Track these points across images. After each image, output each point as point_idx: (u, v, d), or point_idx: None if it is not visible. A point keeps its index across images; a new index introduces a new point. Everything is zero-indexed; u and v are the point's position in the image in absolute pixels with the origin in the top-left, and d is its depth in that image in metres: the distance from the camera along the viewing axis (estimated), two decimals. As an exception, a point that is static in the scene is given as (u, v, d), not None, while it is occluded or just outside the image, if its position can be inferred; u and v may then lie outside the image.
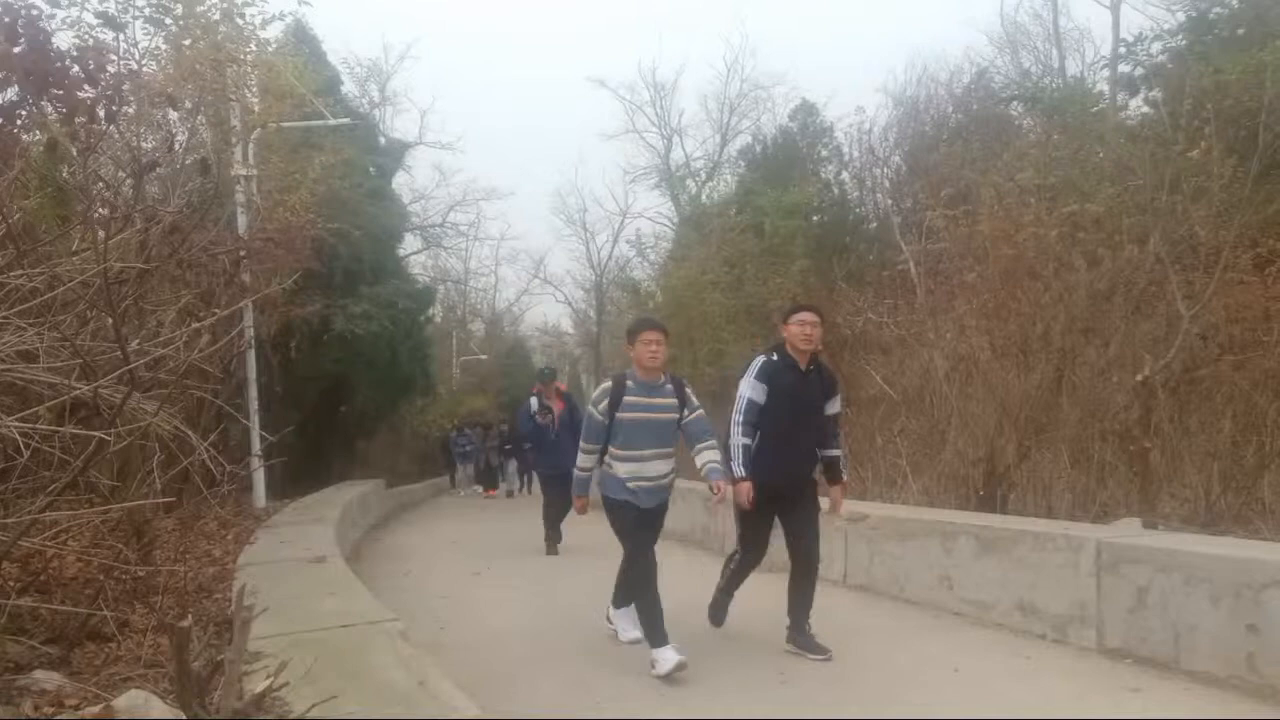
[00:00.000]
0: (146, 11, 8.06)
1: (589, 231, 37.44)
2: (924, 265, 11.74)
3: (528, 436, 9.46)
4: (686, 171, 30.93)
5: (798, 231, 17.25)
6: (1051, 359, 7.88)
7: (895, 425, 8.92)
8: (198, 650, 2.58)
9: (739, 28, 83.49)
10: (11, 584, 3.74)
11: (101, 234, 4.06)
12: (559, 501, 8.90)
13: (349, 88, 22.80)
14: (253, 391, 10.13)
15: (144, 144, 7.35)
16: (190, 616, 2.95)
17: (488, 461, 21.78)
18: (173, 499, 5.51)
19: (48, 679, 3.00)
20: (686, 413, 4.69)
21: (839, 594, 6.19)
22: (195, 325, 4.90)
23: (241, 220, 10.08)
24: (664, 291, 18.71)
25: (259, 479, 10.01)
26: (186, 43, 8.62)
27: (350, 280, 14.80)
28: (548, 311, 48.75)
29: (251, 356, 10.21)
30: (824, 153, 21.75)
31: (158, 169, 6.68)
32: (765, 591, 5.08)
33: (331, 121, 12.52)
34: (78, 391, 3.43)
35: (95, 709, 2.50)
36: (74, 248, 4.73)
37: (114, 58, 6.21)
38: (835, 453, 4.87)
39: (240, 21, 9.18)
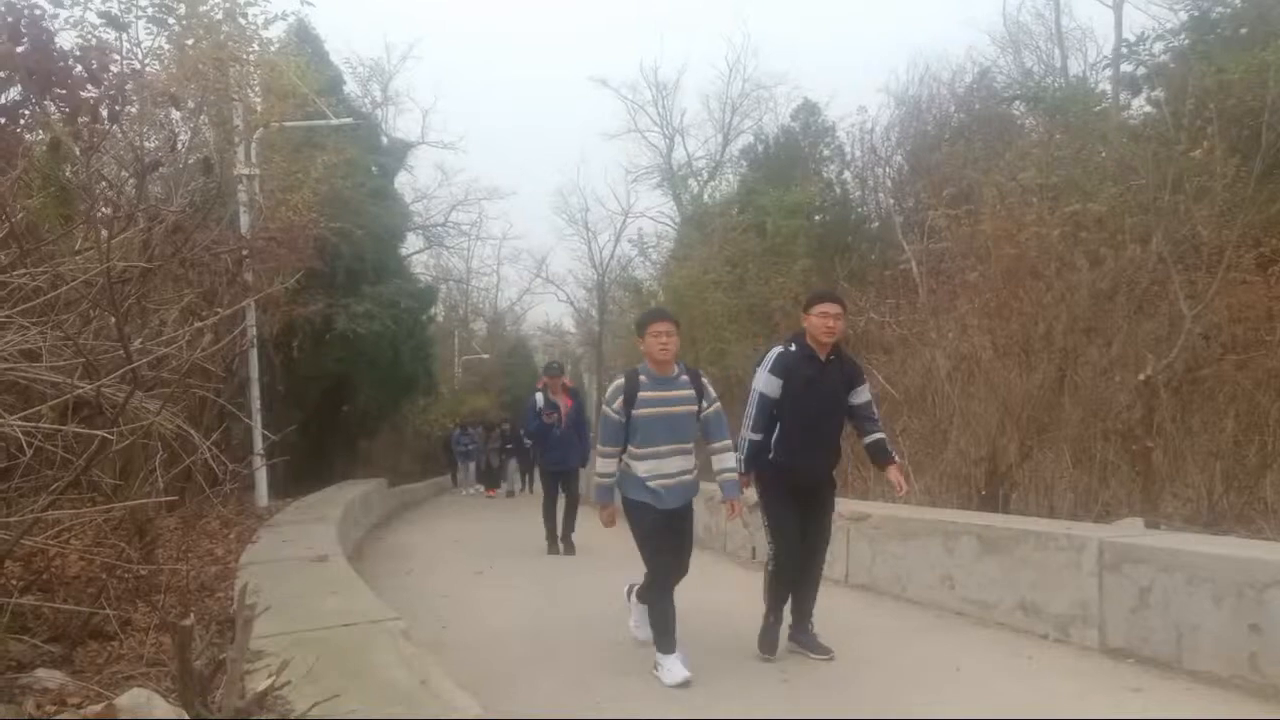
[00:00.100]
0: (149, 11, 8.07)
1: (591, 231, 37.39)
2: (926, 265, 11.74)
3: (533, 435, 9.34)
4: (688, 171, 30.91)
5: (800, 231, 17.23)
6: (1054, 358, 7.87)
7: (897, 425, 8.91)
8: (200, 649, 2.59)
9: (741, 27, 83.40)
10: (14, 582, 3.75)
11: (104, 233, 4.07)
12: (570, 493, 8.97)
13: (351, 87, 22.83)
14: (255, 390, 10.13)
15: (147, 143, 7.35)
16: (192, 615, 2.96)
17: (489, 461, 21.79)
18: (175, 498, 5.51)
19: (50, 677, 3.00)
20: (705, 404, 4.50)
21: (841, 593, 6.19)
22: (198, 324, 4.91)
23: (244, 220, 10.09)
24: (666, 291, 18.68)
25: (261, 478, 10.02)
26: (189, 42, 8.62)
27: (352, 279, 14.81)
28: (550, 311, 48.69)
29: (254, 356, 10.22)
30: (826, 152, 21.72)
31: (160, 168, 6.69)
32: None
33: (334, 121, 12.52)
34: (80, 390, 3.44)
35: (97, 707, 2.51)
36: (77, 247, 4.74)
37: (117, 57, 6.23)
38: (878, 435, 4.67)
39: (243, 21, 9.18)
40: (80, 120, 5.30)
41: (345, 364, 15.10)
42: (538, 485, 13.66)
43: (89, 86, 5.61)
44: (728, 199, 22.31)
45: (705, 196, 26.34)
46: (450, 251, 34.39)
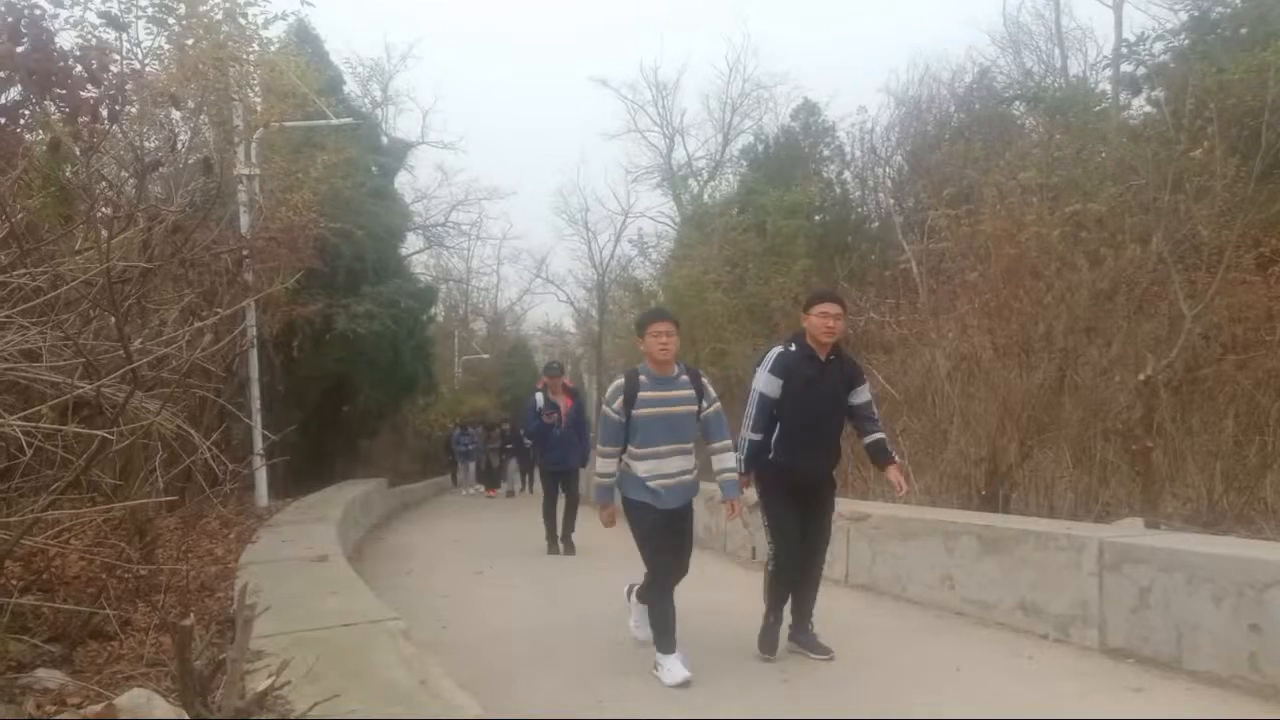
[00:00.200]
0: (149, 11, 8.08)
1: (591, 231, 37.39)
2: (926, 265, 11.73)
3: (534, 433, 9.29)
4: (688, 171, 30.91)
5: (800, 231, 17.23)
6: (1054, 358, 7.87)
7: (897, 425, 8.90)
8: (200, 649, 2.59)
9: (741, 27, 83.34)
10: (14, 582, 3.75)
11: (104, 233, 4.07)
12: (570, 494, 8.94)
13: (351, 87, 22.83)
14: (255, 390, 10.13)
15: (147, 143, 7.35)
16: (192, 615, 2.96)
17: (488, 461, 21.79)
18: (175, 498, 5.51)
19: (50, 677, 3.00)
20: (705, 404, 4.50)
21: (841, 593, 6.19)
22: (198, 324, 4.91)
23: (244, 220, 10.09)
24: (666, 291, 18.68)
25: (261, 478, 10.02)
26: (189, 42, 8.62)
27: (353, 279, 14.81)
28: (550, 311, 48.72)
29: (254, 356, 10.22)
30: (826, 152, 21.72)
31: (160, 168, 6.69)
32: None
33: (334, 121, 12.51)
34: (80, 390, 3.44)
35: (97, 707, 2.51)
36: (77, 247, 4.74)
37: (117, 57, 6.23)
38: (878, 435, 4.66)
39: (243, 21, 9.19)
40: (80, 120, 5.31)
41: (345, 364, 15.10)
42: (538, 485, 13.64)
43: (89, 86, 5.61)
44: (728, 199, 22.30)
45: (705, 196, 26.35)
46: (450, 251, 34.42)
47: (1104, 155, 10.80)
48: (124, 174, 6.69)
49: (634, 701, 3.96)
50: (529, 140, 59.01)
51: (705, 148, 31.68)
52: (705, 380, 4.59)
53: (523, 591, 6.87)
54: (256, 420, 9.82)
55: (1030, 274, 8.37)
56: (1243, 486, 6.74)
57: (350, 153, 13.49)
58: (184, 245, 6.00)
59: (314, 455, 14.81)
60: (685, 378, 4.48)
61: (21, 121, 5.74)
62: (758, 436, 4.50)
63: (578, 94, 78.70)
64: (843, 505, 6.02)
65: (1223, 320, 8.18)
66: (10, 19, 5.43)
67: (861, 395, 4.63)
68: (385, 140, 22.82)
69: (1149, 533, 5.22)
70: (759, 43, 38.51)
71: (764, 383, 4.48)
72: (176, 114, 8.46)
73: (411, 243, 25.98)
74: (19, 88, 5.53)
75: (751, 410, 4.52)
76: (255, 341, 10.12)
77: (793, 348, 4.51)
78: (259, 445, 9.57)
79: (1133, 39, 14.48)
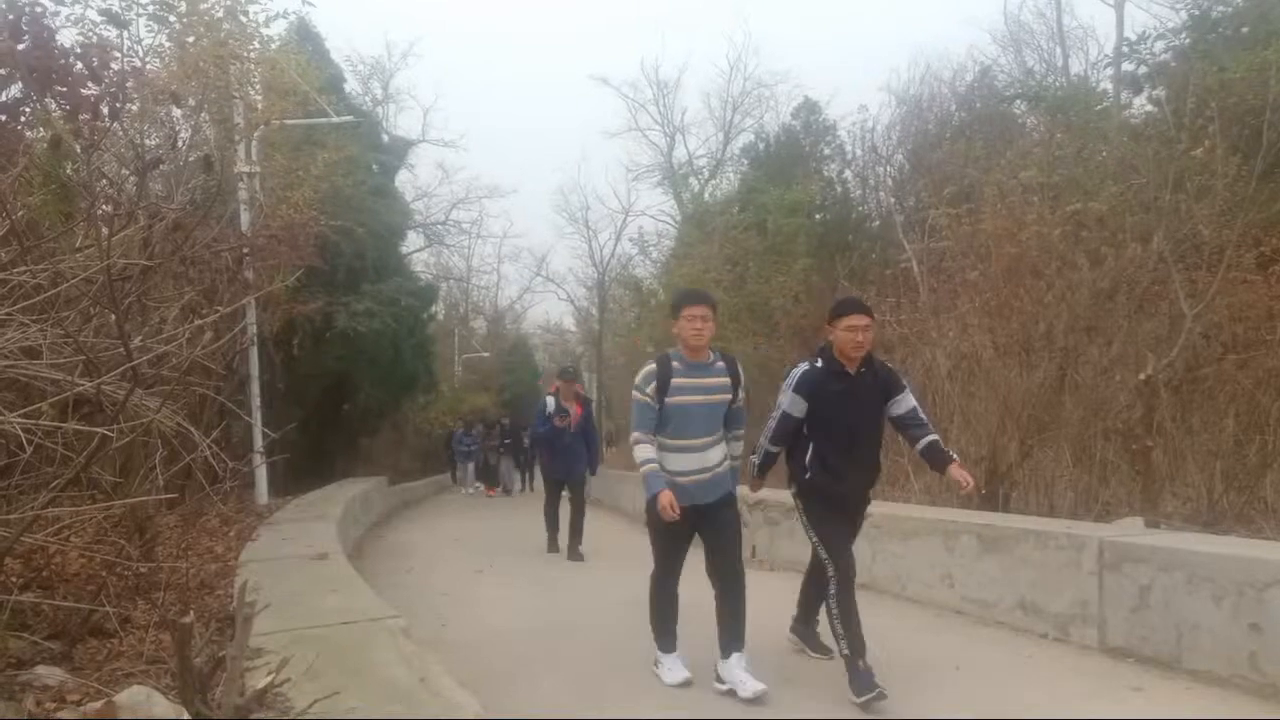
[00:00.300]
0: (150, 9, 8.08)
1: (591, 229, 37.40)
2: (927, 264, 11.73)
3: (541, 439, 9.07)
4: (689, 169, 30.95)
5: (800, 230, 17.22)
6: (1054, 358, 7.87)
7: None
8: (199, 646, 2.59)
9: (741, 26, 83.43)
10: (14, 580, 3.75)
11: (105, 231, 4.06)
12: (576, 499, 8.77)
13: (352, 85, 22.82)
14: (255, 388, 10.14)
15: (147, 141, 7.35)
16: (192, 613, 2.96)
17: (487, 460, 21.80)
18: (175, 495, 5.51)
19: (50, 674, 3.00)
20: (740, 395, 4.24)
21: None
22: (198, 322, 4.91)
23: (245, 217, 10.10)
24: (666, 290, 18.69)
25: (261, 476, 10.03)
26: (190, 40, 8.62)
27: (353, 277, 14.81)
28: (550, 309, 48.78)
29: (254, 353, 10.23)
30: (827, 151, 21.72)
31: (161, 166, 6.69)
32: (769, 589, 5.08)
33: (335, 119, 12.51)
34: (80, 388, 3.44)
35: (97, 705, 2.50)
36: (77, 244, 4.73)
37: (117, 55, 6.24)
38: (930, 439, 4.28)
39: (243, 19, 9.18)
40: (81, 118, 5.30)
41: (345, 362, 15.10)
42: (538, 483, 13.61)
43: (90, 84, 5.61)
44: (728, 197, 22.32)
45: (706, 195, 26.38)
46: (451, 250, 34.48)
47: (1105, 154, 10.80)
48: (125, 171, 6.69)
49: (635, 700, 3.96)
50: (529, 139, 59.12)
51: (706, 146, 31.77)
52: (741, 369, 4.32)
53: (523, 590, 6.87)
54: (257, 418, 9.82)
55: (1031, 273, 8.37)
56: (1243, 486, 6.75)
57: (351, 151, 13.49)
58: (184, 243, 5.99)
59: (314, 453, 14.81)
60: (721, 364, 4.22)
61: (22, 119, 5.74)
62: (774, 449, 4.41)
63: (578, 93, 78.80)
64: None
65: (1223, 319, 8.18)
66: (11, 16, 5.43)
67: (903, 404, 4.31)
68: (386, 138, 22.84)
69: (1149, 532, 5.22)
70: (760, 41, 38.62)
71: (788, 402, 4.24)
72: (177, 112, 8.46)
73: (412, 241, 26.04)
74: (20, 85, 5.53)
75: (772, 424, 4.35)
76: (255, 339, 10.12)
77: (819, 363, 4.24)
78: (259, 443, 9.57)
79: (1134, 38, 14.50)
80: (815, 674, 4.33)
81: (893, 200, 18.44)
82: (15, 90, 5.61)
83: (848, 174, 21.22)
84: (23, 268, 3.66)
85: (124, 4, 7.56)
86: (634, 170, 34.77)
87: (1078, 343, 8.02)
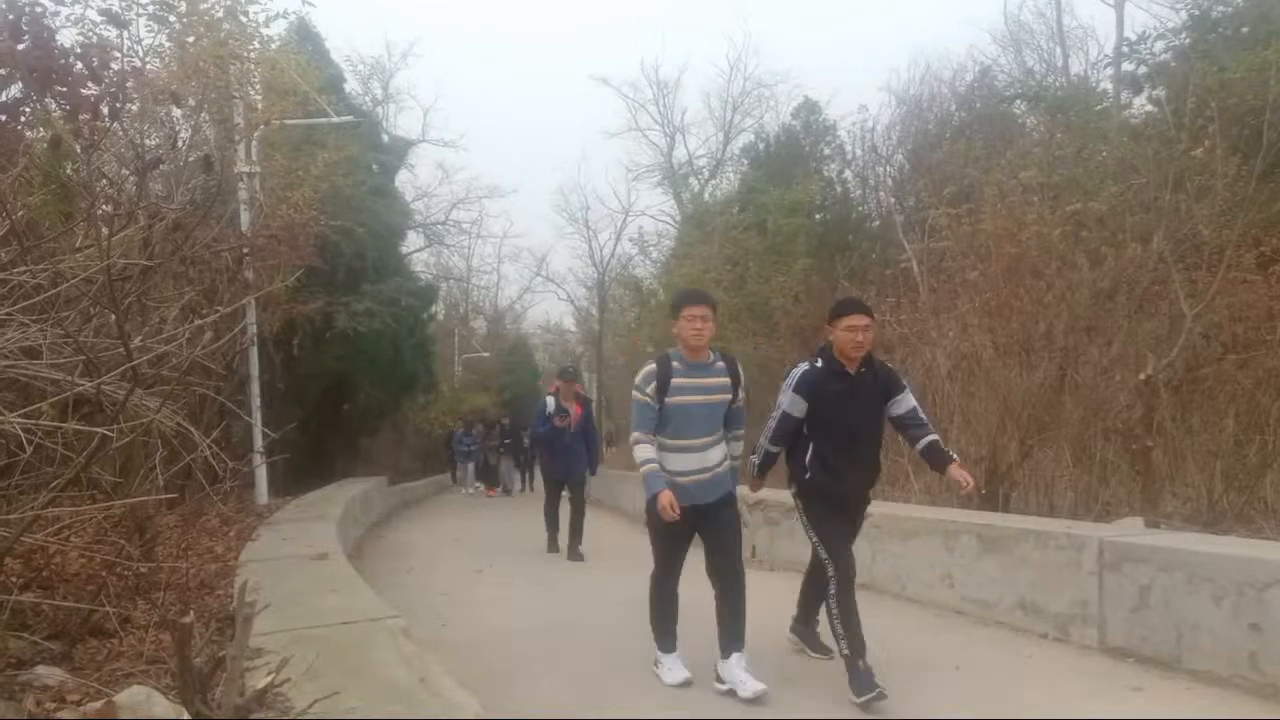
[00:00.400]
0: (150, 9, 8.08)
1: (591, 229, 37.42)
2: (927, 264, 11.73)
3: (540, 439, 9.04)
4: (689, 169, 30.96)
5: (800, 230, 17.22)
6: (1054, 358, 7.87)
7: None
8: (200, 646, 2.59)
9: (742, 26, 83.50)
10: (14, 580, 3.75)
11: (105, 231, 4.06)
12: (576, 500, 8.75)
13: (352, 85, 22.83)
14: (255, 388, 10.14)
15: (147, 141, 7.35)
16: (192, 613, 2.96)
17: (487, 460, 21.81)
18: (175, 495, 5.51)
19: (50, 675, 3.00)
20: (740, 396, 4.23)
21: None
22: (198, 322, 4.90)
23: (245, 217, 10.10)
24: (666, 290, 18.70)
25: (261, 476, 10.03)
26: (190, 40, 8.62)
27: (353, 277, 14.81)
28: (550, 309, 48.81)
29: (254, 353, 10.23)
30: (827, 151, 21.72)
31: (161, 166, 6.69)
32: (769, 589, 5.08)
33: (335, 119, 12.51)
34: (80, 388, 3.44)
35: (97, 705, 2.50)
36: (77, 244, 4.73)
37: (117, 55, 6.24)
38: (930, 439, 4.26)
39: (243, 19, 9.18)
40: (81, 118, 5.30)
41: (345, 362, 15.10)
42: (538, 483, 13.57)
43: (90, 84, 5.61)
44: (728, 197, 22.32)
45: (706, 195, 26.39)
46: (451, 250, 34.50)
47: (1105, 154, 10.80)
48: (125, 171, 6.69)
49: (635, 700, 3.96)
50: (529, 139, 59.16)
51: (706, 146, 31.79)
52: (741, 369, 4.31)
53: (523, 590, 6.87)
54: (256, 418, 9.82)
55: (1031, 273, 8.37)
56: (1243, 486, 6.75)
57: (351, 151, 13.49)
58: (184, 243, 5.99)
59: (314, 453, 14.81)
60: (721, 364, 4.21)
61: (22, 119, 5.74)
62: (774, 449, 4.40)
63: (578, 93, 78.81)
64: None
65: (1223, 319, 8.18)
66: (11, 16, 5.43)
67: (903, 404, 4.30)
68: (386, 138, 22.85)
69: (1149, 532, 5.22)
70: (760, 41, 38.63)
71: (788, 402, 4.23)
72: (177, 112, 8.46)
73: (412, 241, 26.05)
74: (20, 85, 5.53)
75: (772, 424, 4.34)
76: (255, 339, 10.12)
77: (818, 363, 4.22)
78: (259, 443, 9.57)
79: (1134, 38, 14.51)
80: (815, 674, 4.33)
81: (893, 200, 18.44)
82: (15, 90, 5.61)
83: (848, 174, 21.24)
84: (23, 268, 3.66)
85: (124, 4, 7.57)
86: (634, 170, 34.88)
87: (1078, 343, 8.02)
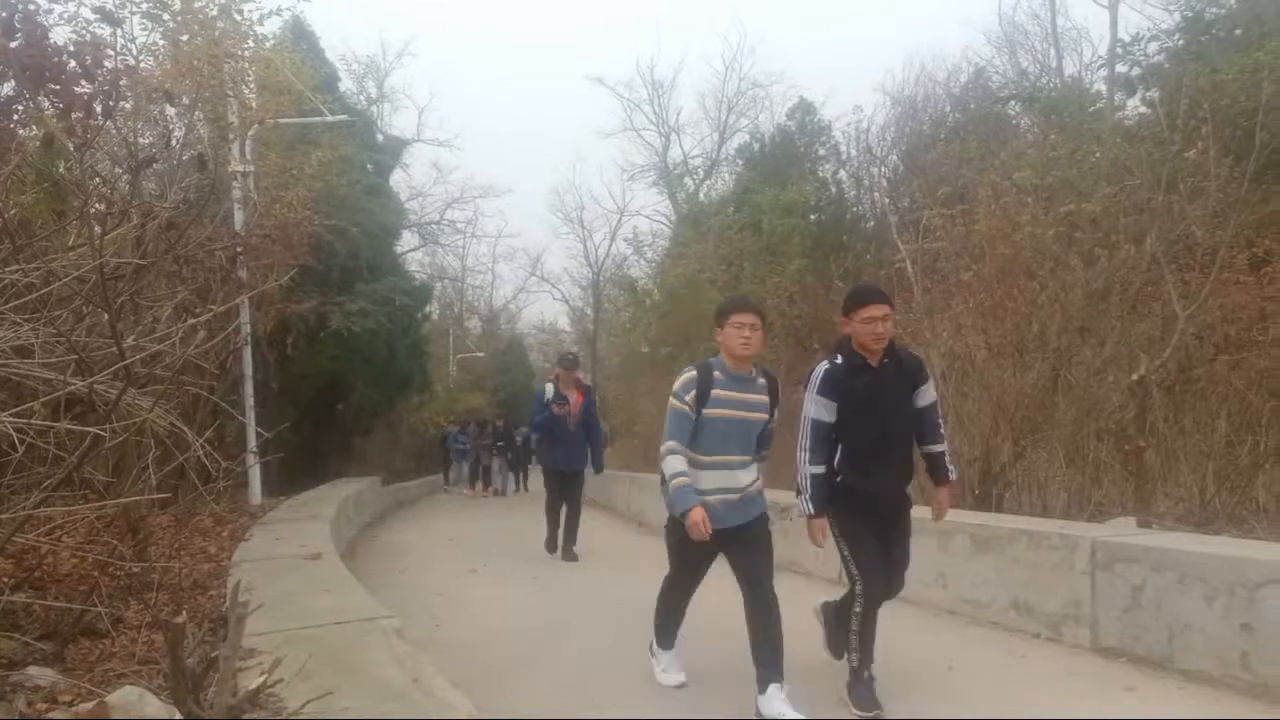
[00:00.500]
0: (144, 7, 8.08)
1: (586, 229, 37.56)
2: (921, 264, 11.72)
3: (539, 426, 8.55)
4: (684, 169, 31.02)
5: (795, 230, 17.26)
6: (1047, 358, 7.89)
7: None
8: (192, 647, 2.58)
9: (737, 26, 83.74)
10: (5, 580, 3.74)
11: (97, 229, 4.05)
12: (572, 500, 8.51)
13: (346, 84, 22.83)
14: (249, 388, 10.11)
15: (141, 139, 7.34)
16: (185, 613, 2.95)
17: (479, 459, 21.79)
18: (168, 495, 5.50)
19: (41, 675, 2.99)
20: (775, 416, 3.99)
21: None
22: (191, 321, 4.89)
23: (238, 216, 10.07)
24: (661, 290, 18.71)
25: (255, 476, 10.00)
26: (184, 38, 8.62)
27: (347, 277, 14.80)
28: (545, 309, 48.94)
29: (248, 353, 10.20)
30: (821, 151, 21.78)
31: (154, 164, 6.68)
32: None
33: (329, 118, 12.49)
34: (73, 387, 3.43)
35: (89, 705, 2.50)
36: (70, 243, 4.71)
37: (111, 53, 6.22)
38: (939, 448, 4.08)
39: (238, 17, 9.19)
40: (74, 116, 5.29)
41: (339, 361, 15.09)
42: (534, 483, 13.52)
43: (83, 82, 5.60)
44: (723, 198, 22.36)
45: (701, 195, 26.43)
46: (445, 249, 34.56)
47: (1098, 155, 10.83)
48: (118, 170, 6.67)
49: (630, 700, 3.96)
50: (527, 139, 59.22)
51: (701, 146, 31.87)
52: (779, 387, 4.06)
53: (517, 590, 6.86)
54: (250, 418, 9.80)
55: (1024, 274, 8.39)
56: (1235, 486, 6.78)
57: (345, 150, 13.49)
58: (178, 242, 5.98)
59: (308, 453, 14.80)
60: (763, 381, 3.95)
61: (15, 117, 5.73)
62: (819, 469, 3.85)
63: (575, 93, 79.09)
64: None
65: (1216, 320, 8.22)
66: (4, 14, 5.41)
67: (925, 396, 4.05)
68: (380, 137, 22.83)
69: (1141, 532, 5.24)
70: (756, 41, 38.80)
71: (815, 408, 3.86)
72: (171, 110, 8.44)
73: (406, 240, 26.06)
74: (13, 83, 5.52)
75: (806, 440, 3.88)
76: (249, 339, 10.11)
77: (839, 360, 3.90)
78: (252, 443, 9.56)
79: (1127, 39, 14.55)
80: (815, 674, 4.33)
81: (887, 201, 18.49)
82: (8, 88, 5.60)
83: (842, 174, 21.32)
84: (15, 266, 3.65)
85: (118, 2, 7.55)
86: (629, 170, 34.98)
87: (1071, 343, 8.04)
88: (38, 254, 4.07)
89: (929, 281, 11.14)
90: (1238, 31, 12.23)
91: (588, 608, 5.97)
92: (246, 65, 9.86)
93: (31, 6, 5.62)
